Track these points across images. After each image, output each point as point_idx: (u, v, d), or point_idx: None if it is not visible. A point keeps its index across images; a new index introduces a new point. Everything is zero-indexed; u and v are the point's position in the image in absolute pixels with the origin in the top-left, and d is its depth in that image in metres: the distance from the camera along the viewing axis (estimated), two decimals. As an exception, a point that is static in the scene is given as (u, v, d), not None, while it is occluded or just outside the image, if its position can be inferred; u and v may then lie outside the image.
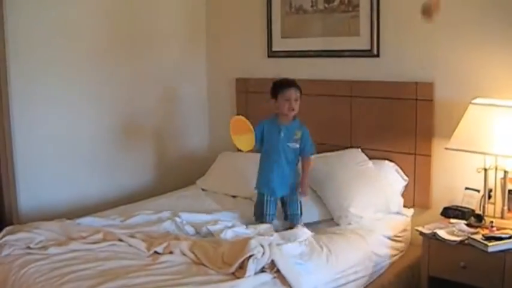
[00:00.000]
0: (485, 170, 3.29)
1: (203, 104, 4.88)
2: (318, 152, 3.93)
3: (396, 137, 3.81)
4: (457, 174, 3.58)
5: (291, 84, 3.37)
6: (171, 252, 2.84)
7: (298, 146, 3.38)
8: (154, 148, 4.51)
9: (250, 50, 4.54)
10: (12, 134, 3.59)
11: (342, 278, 2.95)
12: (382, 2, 3.84)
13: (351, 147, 3.97)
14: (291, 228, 3.33)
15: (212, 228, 3.20)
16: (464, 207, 3.35)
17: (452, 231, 3.19)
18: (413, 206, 3.74)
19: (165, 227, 3.22)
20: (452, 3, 3.54)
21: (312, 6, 4.17)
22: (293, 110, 3.34)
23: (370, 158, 3.80)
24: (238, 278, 2.56)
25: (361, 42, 3.95)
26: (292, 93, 3.34)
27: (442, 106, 3.63)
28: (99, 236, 3.02)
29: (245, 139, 3.29)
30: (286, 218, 3.45)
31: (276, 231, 3.25)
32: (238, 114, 4.49)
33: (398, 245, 3.52)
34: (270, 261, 2.63)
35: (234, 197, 3.96)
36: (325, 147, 3.99)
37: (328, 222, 3.52)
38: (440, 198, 3.63)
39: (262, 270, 2.62)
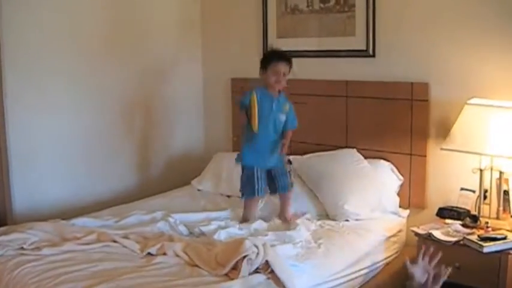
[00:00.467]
0: (481, 170, 3.28)
1: (198, 104, 4.86)
2: (314, 152, 3.94)
3: (392, 137, 3.80)
4: (453, 174, 3.57)
5: (281, 58, 3.36)
6: (164, 254, 2.83)
7: (285, 118, 3.41)
8: (150, 148, 4.50)
9: (246, 50, 4.53)
10: (6, 135, 3.58)
11: (336, 279, 2.94)
12: (378, 2, 3.83)
13: (347, 147, 3.97)
14: (282, 199, 3.42)
15: (204, 229, 3.19)
16: (460, 208, 3.36)
17: (447, 231, 3.19)
18: (408, 207, 3.73)
19: (159, 228, 3.21)
20: (448, 3, 3.54)
21: (307, 6, 4.16)
22: (280, 83, 3.34)
23: (366, 158, 3.80)
24: (231, 279, 2.54)
25: (357, 42, 3.94)
26: (282, 67, 3.33)
27: (438, 106, 3.63)
28: (93, 236, 3.01)
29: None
30: (275, 191, 3.47)
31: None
32: (234, 115, 4.51)
33: (394, 245, 3.51)
34: (264, 261, 2.62)
35: (229, 196, 3.96)
36: (320, 147, 4.00)
37: (326, 218, 3.53)
38: (436, 198, 3.63)
39: (256, 271, 2.61)
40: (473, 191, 3.37)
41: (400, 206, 3.69)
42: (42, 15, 3.71)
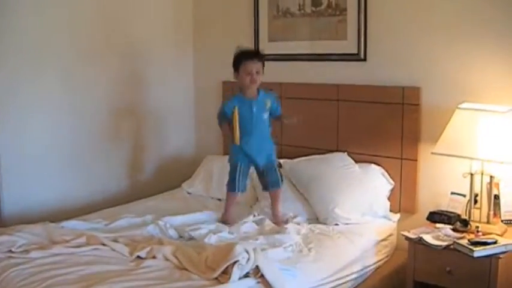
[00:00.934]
0: (471, 174, 3.28)
1: (189, 107, 4.85)
2: (304, 155, 3.94)
3: (382, 141, 3.80)
4: (443, 178, 3.57)
5: (251, 56, 3.35)
6: (154, 257, 2.81)
7: (269, 113, 3.44)
8: (140, 151, 4.48)
9: (237, 53, 4.51)
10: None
11: (327, 283, 2.93)
12: (369, 6, 3.83)
13: (338, 151, 3.96)
14: (272, 196, 3.45)
15: (194, 233, 3.17)
16: (450, 212, 3.35)
17: (438, 236, 3.18)
18: (399, 211, 3.73)
19: (149, 231, 3.19)
20: (439, 8, 3.54)
21: (299, 9, 4.15)
22: (255, 82, 3.33)
23: (357, 162, 3.79)
24: (221, 283, 2.53)
25: (348, 46, 3.94)
26: (254, 65, 3.32)
27: (429, 111, 3.63)
28: (82, 239, 2.99)
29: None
30: (266, 187, 3.48)
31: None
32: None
33: (384, 249, 3.51)
34: (254, 266, 2.61)
35: (219, 200, 3.94)
36: (311, 150, 3.99)
37: (316, 222, 3.53)
38: (426, 202, 3.63)
39: (246, 275, 2.60)
40: (464, 195, 3.37)
41: (390, 210, 3.68)
42: (32, 21, 3.69)
